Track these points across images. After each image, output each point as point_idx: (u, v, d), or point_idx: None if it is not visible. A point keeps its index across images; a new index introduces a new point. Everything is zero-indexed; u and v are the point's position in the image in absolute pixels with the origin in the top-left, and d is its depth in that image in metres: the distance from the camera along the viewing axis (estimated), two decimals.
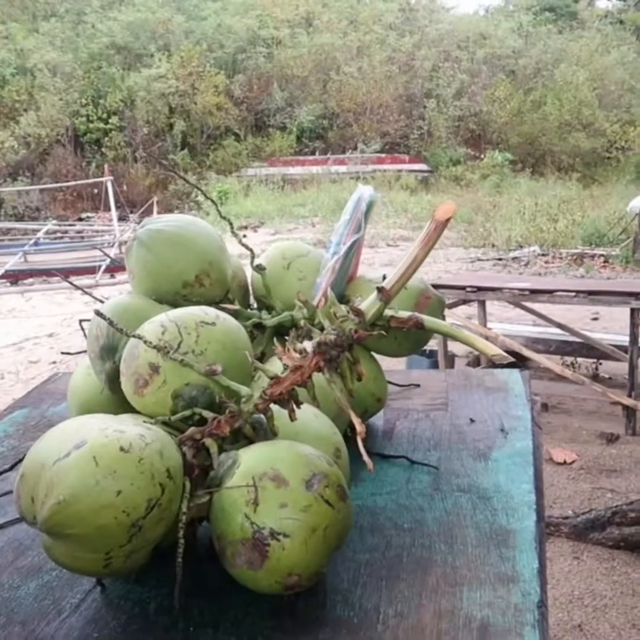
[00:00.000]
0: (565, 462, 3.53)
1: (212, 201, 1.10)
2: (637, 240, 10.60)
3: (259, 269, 1.10)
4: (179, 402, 0.81)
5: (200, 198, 17.58)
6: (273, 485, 0.72)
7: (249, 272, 1.16)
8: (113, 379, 0.94)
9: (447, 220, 0.77)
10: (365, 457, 0.78)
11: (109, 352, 0.95)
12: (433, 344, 4.50)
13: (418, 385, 1.36)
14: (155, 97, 23.67)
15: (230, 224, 1.06)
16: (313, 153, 24.13)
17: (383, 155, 22.44)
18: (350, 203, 1.12)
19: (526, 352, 4.34)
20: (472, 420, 1.19)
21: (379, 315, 0.82)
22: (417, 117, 24.64)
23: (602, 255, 11.21)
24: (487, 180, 20.47)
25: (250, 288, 1.16)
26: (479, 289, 4.28)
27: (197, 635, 0.71)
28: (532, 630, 0.69)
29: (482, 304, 4.52)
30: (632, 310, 3.84)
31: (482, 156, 22.65)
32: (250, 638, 0.70)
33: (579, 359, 5.00)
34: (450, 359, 4.69)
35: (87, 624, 0.74)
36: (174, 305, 0.98)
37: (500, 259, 11.41)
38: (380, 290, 0.80)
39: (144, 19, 25.74)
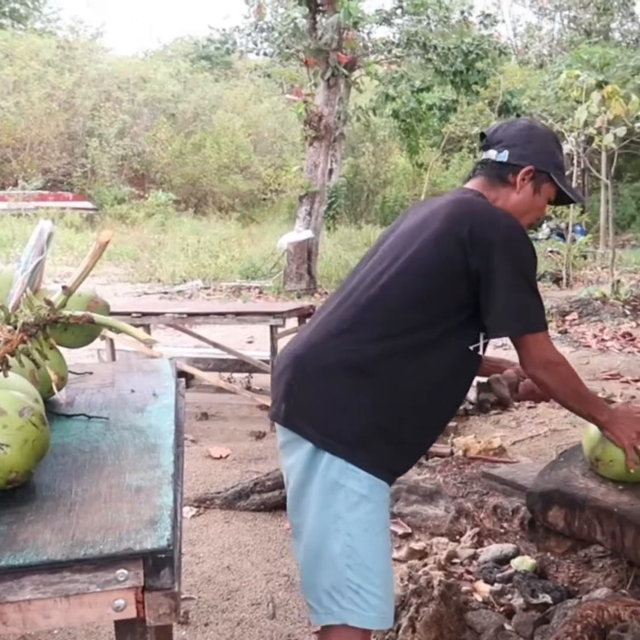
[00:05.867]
0: (220, 457, 4.12)
1: None
2: (286, 273, 11.83)
3: None
4: None
5: None
6: None
7: None
8: None
9: (107, 242, 1.22)
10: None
11: None
12: None
13: (91, 373, 1.77)
14: None
15: None
16: None
17: (46, 192, 21.96)
18: (35, 233, 1.51)
19: (188, 369, 4.87)
20: (133, 391, 1.64)
21: (63, 305, 1.23)
22: (79, 155, 24.47)
23: (257, 287, 12.29)
24: (152, 219, 20.93)
25: None
26: (144, 314, 4.72)
27: None
28: (168, 487, 1.15)
29: (147, 328, 4.94)
30: (271, 327, 4.56)
31: (147, 195, 23.13)
32: None
33: (234, 374, 5.68)
34: None
35: None
36: None
37: (166, 293, 11.92)
38: (64, 287, 1.22)
39: None
